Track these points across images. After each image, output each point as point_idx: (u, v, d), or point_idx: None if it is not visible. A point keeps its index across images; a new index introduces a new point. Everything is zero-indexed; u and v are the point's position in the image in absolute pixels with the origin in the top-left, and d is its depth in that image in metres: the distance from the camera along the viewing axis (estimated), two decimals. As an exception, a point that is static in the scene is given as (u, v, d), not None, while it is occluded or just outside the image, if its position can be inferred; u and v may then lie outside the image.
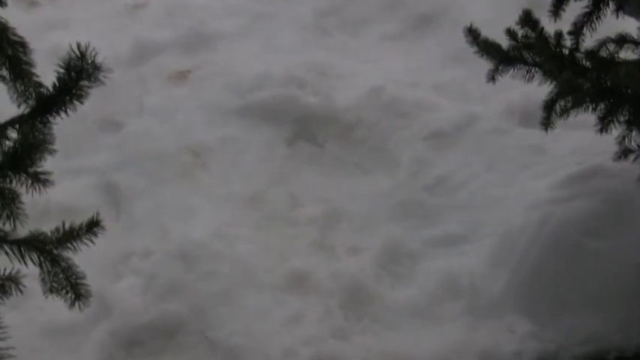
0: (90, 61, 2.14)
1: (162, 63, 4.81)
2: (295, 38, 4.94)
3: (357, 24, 5.07)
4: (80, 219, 2.34)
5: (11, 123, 2.26)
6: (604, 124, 3.06)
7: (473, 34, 3.33)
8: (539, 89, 3.29)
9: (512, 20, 3.43)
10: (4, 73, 2.12)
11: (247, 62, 4.69)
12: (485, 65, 3.35)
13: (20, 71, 2.03)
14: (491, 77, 3.32)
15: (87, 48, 2.17)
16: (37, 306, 3.33)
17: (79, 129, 4.26)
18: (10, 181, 2.14)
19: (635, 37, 3.23)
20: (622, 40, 3.25)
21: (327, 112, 4.46)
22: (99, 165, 4.28)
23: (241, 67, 4.65)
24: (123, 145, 4.36)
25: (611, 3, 3.13)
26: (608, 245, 3.39)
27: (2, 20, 2.01)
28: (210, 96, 4.53)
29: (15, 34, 2.02)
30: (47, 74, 2.33)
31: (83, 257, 2.30)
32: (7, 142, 2.21)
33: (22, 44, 2.03)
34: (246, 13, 5.06)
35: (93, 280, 2.29)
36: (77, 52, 2.14)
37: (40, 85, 2.28)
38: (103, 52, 4.53)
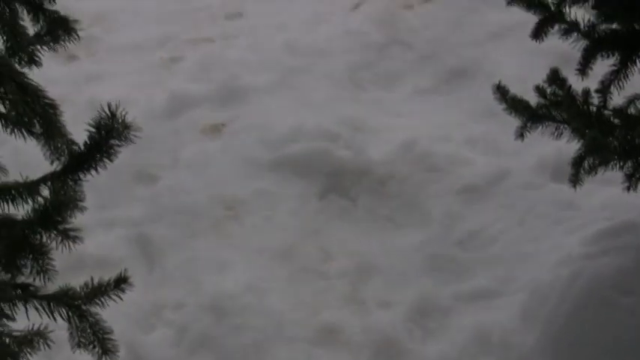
0: (120, 121, 2.19)
1: (196, 116, 4.87)
2: (328, 92, 4.98)
3: (390, 78, 5.10)
4: (113, 271, 2.41)
5: (43, 180, 2.33)
6: (631, 182, 3.09)
7: (501, 91, 3.38)
8: (571, 144, 3.31)
9: (543, 74, 3.48)
10: (38, 130, 2.19)
11: (281, 116, 4.74)
12: (516, 120, 3.40)
13: (52, 131, 2.10)
14: (520, 134, 3.37)
15: (117, 107, 2.22)
16: (67, 357, 3.38)
17: (114, 181, 4.32)
18: (41, 237, 2.22)
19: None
20: (653, 96, 3.29)
21: (360, 166, 4.51)
22: (133, 217, 4.34)
23: (275, 121, 4.71)
24: (157, 198, 4.43)
25: (638, 61, 3.17)
26: (639, 301, 3.40)
27: (35, 84, 2.08)
28: (244, 149, 4.60)
29: (47, 97, 2.09)
30: (84, 125, 2.40)
31: (116, 308, 2.37)
32: (39, 199, 2.28)
33: (54, 106, 2.09)
34: (280, 67, 5.10)
35: (125, 331, 2.36)
36: (108, 112, 2.20)
37: (73, 142, 2.35)
38: (139, 105, 4.70)
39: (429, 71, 5.09)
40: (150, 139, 4.40)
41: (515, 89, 3.54)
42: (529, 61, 4.70)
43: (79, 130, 2.40)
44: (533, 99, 3.40)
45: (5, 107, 2.30)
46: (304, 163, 4.52)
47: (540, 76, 3.52)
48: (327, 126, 4.65)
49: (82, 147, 2.26)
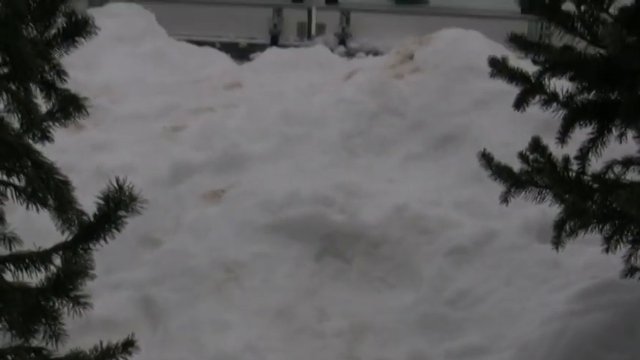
0: (127, 193, 2.27)
1: (198, 182, 4.91)
2: (323, 159, 5.03)
3: (382, 145, 5.16)
4: (119, 331, 2.48)
5: (55, 249, 2.40)
6: (610, 244, 3.16)
7: (486, 158, 3.46)
8: (555, 207, 3.39)
9: (527, 139, 3.56)
10: (51, 202, 2.27)
11: (278, 182, 4.79)
12: (502, 185, 3.47)
13: (64, 206, 2.17)
14: (505, 199, 3.44)
15: (124, 180, 2.31)
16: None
17: (119, 245, 4.24)
18: (54, 304, 2.28)
19: (640, 159, 3.33)
20: (628, 162, 3.36)
21: (354, 230, 4.56)
22: (138, 279, 4.38)
23: (272, 187, 4.75)
24: (160, 261, 4.47)
25: (614, 129, 3.25)
26: (623, 358, 3.42)
27: (49, 161, 2.16)
28: (243, 214, 4.63)
29: (60, 174, 2.17)
30: (91, 192, 2.48)
31: (120, 369, 2.42)
32: (52, 268, 2.36)
33: (66, 182, 2.17)
34: (277, 135, 5.16)
35: (129, 391, 2.40)
36: (115, 184, 2.28)
37: (82, 213, 2.42)
38: (143, 172, 4.76)
39: (419, 138, 5.14)
40: (153, 205, 4.38)
41: (500, 154, 3.62)
42: (513, 127, 4.75)
43: (86, 197, 2.48)
44: (517, 164, 3.48)
45: (20, 181, 2.39)
46: (301, 226, 4.57)
47: (524, 141, 3.60)
48: (322, 191, 4.70)
49: (92, 218, 2.34)
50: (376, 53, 8.05)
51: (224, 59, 6.68)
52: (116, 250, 4.35)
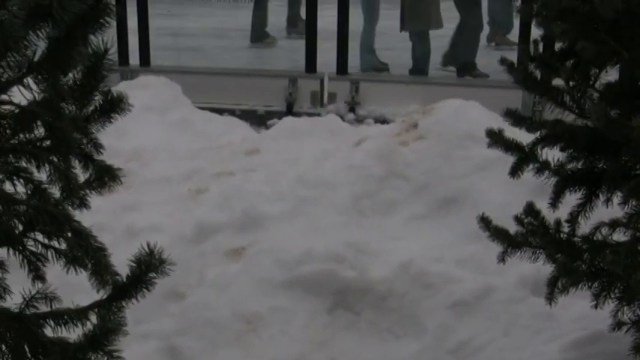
0: (157, 257, 2.32)
1: (219, 241, 4.95)
2: (335, 219, 5.06)
3: (389, 206, 5.18)
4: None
5: (91, 307, 2.45)
6: (599, 300, 3.18)
7: (485, 221, 3.51)
8: (548, 265, 3.42)
9: (523, 201, 3.61)
10: (89, 268, 2.31)
11: (293, 240, 4.82)
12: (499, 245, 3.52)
13: (101, 270, 2.22)
14: (502, 259, 3.49)
15: (155, 245, 2.35)
16: None
17: (147, 298, 4.38)
18: (89, 358, 2.32)
19: (625, 220, 3.36)
20: (614, 224, 3.39)
21: (363, 284, 4.58)
22: (164, 330, 4.41)
23: (288, 245, 4.78)
24: (185, 313, 4.50)
25: (601, 195, 3.29)
26: (612, 403, 3.45)
27: (87, 229, 2.21)
28: (261, 270, 4.67)
29: (97, 241, 2.22)
30: (122, 250, 2.52)
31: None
32: (89, 324, 2.40)
33: (103, 249, 2.22)
34: (293, 197, 5.18)
35: None
36: (147, 249, 2.33)
37: (116, 273, 2.47)
38: (170, 231, 4.80)
39: (423, 200, 5.16)
40: (179, 261, 4.43)
41: (498, 214, 3.66)
42: (510, 189, 4.76)
43: (118, 254, 2.53)
44: (513, 225, 3.52)
45: (59, 244, 2.44)
46: (314, 282, 4.59)
47: (520, 203, 3.64)
48: (334, 249, 4.72)
49: (125, 279, 2.38)
50: (384, 120, 8.11)
51: (244, 127, 6.75)
52: (144, 303, 4.36)
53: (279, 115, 8.36)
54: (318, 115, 8.34)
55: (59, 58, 2.00)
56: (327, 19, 8.85)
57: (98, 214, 4.32)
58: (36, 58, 2.02)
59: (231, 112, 8.39)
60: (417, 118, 5.53)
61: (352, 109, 8.54)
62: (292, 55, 9.34)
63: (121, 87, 6.39)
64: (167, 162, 5.79)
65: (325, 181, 5.27)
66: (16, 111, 2.16)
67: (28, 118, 2.09)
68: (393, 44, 10.02)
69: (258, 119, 8.33)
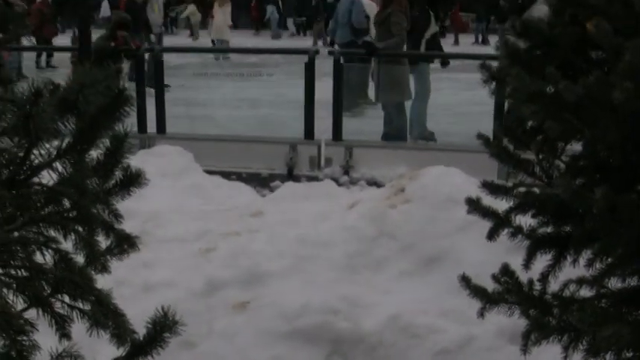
0: (170, 319, 2.33)
1: (226, 295, 4.95)
2: (331, 275, 5.07)
3: (379, 263, 5.19)
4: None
5: (112, 363, 2.45)
6: (567, 352, 3.18)
7: (465, 280, 3.52)
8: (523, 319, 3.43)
9: (500, 258, 3.62)
10: (110, 330, 2.32)
11: (293, 295, 4.83)
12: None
13: (120, 332, 2.23)
14: (481, 314, 3.48)
15: (169, 309, 2.37)
16: None
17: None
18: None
19: (590, 278, 3.37)
20: (581, 281, 3.40)
21: (356, 335, 4.57)
22: (177, 376, 4.41)
23: (288, 299, 4.79)
24: (196, 361, 4.50)
25: (569, 256, 3.31)
26: None
27: (108, 296, 2.23)
28: (264, 322, 4.66)
29: (117, 307, 2.24)
30: (140, 302, 2.54)
31: None
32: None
33: (122, 314, 2.24)
34: (293, 255, 5.20)
35: None
36: (161, 311, 2.34)
37: (134, 332, 2.48)
38: (182, 286, 4.80)
39: (410, 257, 5.18)
40: (190, 314, 4.46)
41: (478, 270, 3.67)
42: (488, 248, 4.69)
43: (135, 306, 2.55)
44: (491, 283, 3.53)
45: (83, 305, 2.45)
46: (312, 333, 4.58)
47: (497, 260, 3.64)
48: (329, 303, 4.73)
49: (142, 338, 2.40)
50: (375, 182, 8.18)
51: (249, 191, 6.79)
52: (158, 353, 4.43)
53: (281, 178, 8.44)
54: (316, 177, 8.41)
55: (84, 145, 2.04)
56: (323, 90, 8.97)
57: (118, 270, 4.30)
58: (63, 145, 2.06)
59: (238, 175, 8.47)
60: (404, 184, 5.57)
61: (346, 172, 8.62)
62: (292, 123, 9.40)
63: (139, 155, 6.45)
64: (180, 223, 5.81)
65: (322, 241, 5.29)
66: (45, 189, 2.19)
67: (56, 197, 2.12)
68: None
69: (262, 181, 8.39)
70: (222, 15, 21.29)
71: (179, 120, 10.49)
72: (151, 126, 9.29)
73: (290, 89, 11.85)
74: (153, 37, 15.60)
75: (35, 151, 1.95)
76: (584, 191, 2.79)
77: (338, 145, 8.88)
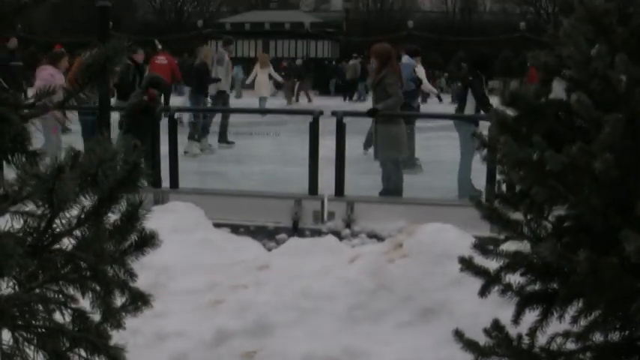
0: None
1: (235, 345, 4.93)
2: (333, 326, 5.06)
3: (378, 315, 5.18)
4: None
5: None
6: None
7: (458, 334, 3.54)
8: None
9: (493, 310, 3.64)
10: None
11: (297, 345, 4.81)
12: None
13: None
14: (474, 365, 3.50)
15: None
16: None
17: None
18: None
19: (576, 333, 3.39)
20: (567, 334, 3.42)
21: (356, 383, 4.58)
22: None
23: (293, 349, 4.77)
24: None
25: (555, 312, 3.33)
26: None
27: (120, 347, 2.25)
28: (270, 371, 4.66)
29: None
30: (152, 351, 2.55)
31: None
32: None
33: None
34: (297, 308, 5.20)
35: None
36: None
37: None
38: (192, 336, 4.80)
39: (408, 310, 5.17)
40: (200, 363, 4.50)
41: (471, 322, 3.70)
42: (482, 301, 4.70)
43: (149, 356, 2.56)
44: (482, 335, 3.55)
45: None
46: (315, 381, 4.58)
47: (489, 312, 3.67)
48: (332, 353, 4.72)
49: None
50: (375, 235, 8.22)
51: (256, 246, 6.80)
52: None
53: (287, 231, 8.48)
54: (320, 230, 8.45)
55: (102, 214, 2.09)
56: (326, 147, 9.05)
57: (132, 320, 4.36)
58: (83, 215, 2.10)
59: (246, 228, 8.52)
60: (402, 239, 5.59)
61: (348, 226, 8.66)
62: (297, 179, 9.48)
63: (153, 211, 6.47)
64: (191, 276, 5.81)
65: (325, 294, 5.28)
66: (65, 253, 2.23)
67: (75, 261, 2.16)
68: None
69: (269, 234, 8.43)
70: (262, 75, 22.03)
71: (191, 175, 10.58)
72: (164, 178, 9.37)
73: (296, 147, 11.96)
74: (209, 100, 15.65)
75: (57, 221, 1.99)
76: (568, 254, 2.83)
77: (340, 200, 8.94)
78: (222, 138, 14.71)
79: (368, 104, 11.66)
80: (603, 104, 2.92)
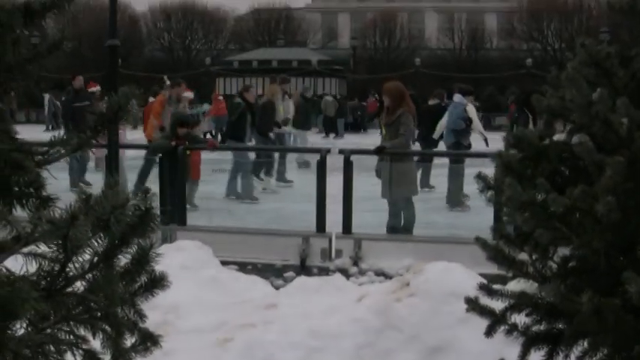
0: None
1: (243, 382, 4.96)
2: (340, 365, 5.07)
3: (385, 354, 5.18)
4: None
5: None
6: None
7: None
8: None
9: (501, 348, 3.66)
10: None
11: (304, 384, 4.83)
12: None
13: None
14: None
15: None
16: None
17: None
18: None
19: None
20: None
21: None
22: None
23: (300, 387, 4.79)
24: None
25: (561, 352, 3.36)
26: None
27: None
28: (277, 410, 4.66)
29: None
30: None
31: None
32: None
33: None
34: (304, 347, 5.20)
35: None
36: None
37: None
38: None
39: (415, 348, 5.17)
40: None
41: (478, 360, 3.71)
42: (489, 339, 4.77)
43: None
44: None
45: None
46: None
47: (495, 350, 3.70)
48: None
49: None
50: (382, 273, 8.23)
51: (264, 284, 6.83)
52: None
53: (294, 269, 8.50)
54: (327, 268, 8.47)
55: (113, 258, 2.14)
56: (333, 185, 9.10)
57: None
58: (95, 259, 2.15)
59: (254, 265, 8.55)
60: (409, 278, 5.62)
61: (356, 263, 8.67)
62: (305, 217, 9.52)
63: (162, 249, 6.51)
64: (199, 315, 5.82)
65: (332, 333, 5.28)
66: (77, 296, 2.28)
67: (86, 303, 2.21)
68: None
69: (276, 272, 8.46)
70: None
71: (199, 213, 10.64)
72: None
73: (303, 184, 12.04)
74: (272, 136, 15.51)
75: (71, 265, 2.05)
76: (571, 295, 2.86)
77: (347, 237, 8.97)
78: (281, 177, 14.67)
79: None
80: (605, 147, 2.97)
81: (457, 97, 13.29)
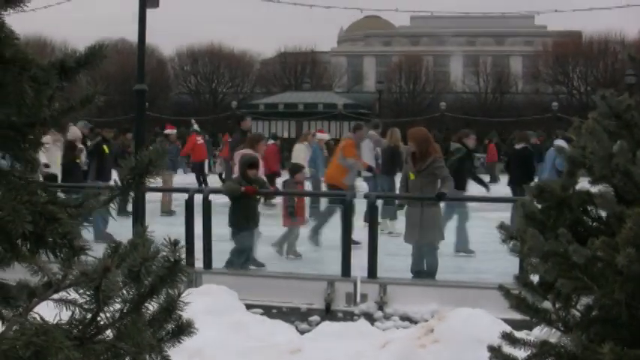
0: None
1: None
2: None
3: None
4: None
5: None
6: None
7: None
8: None
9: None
10: None
11: None
12: None
13: None
14: None
15: None
16: None
17: None
18: None
19: None
20: None
21: None
22: None
23: None
24: None
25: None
26: None
27: None
28: None
29: None
30: None
31: None
32: None
33: None
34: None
35: None
36: None
37: None
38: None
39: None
40: None
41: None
42: None
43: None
44: None
45: None
46: None
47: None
48: None
49: None
50: (407, 317, 8.20)
51: (288, 329, 6.85)
52: None
53: (319, 313, 8.50)
54: (352, 312, 8.46)
55: (143, 307, 2.20)
56: (358, 230, 9.13)
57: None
58: (125, 309, 2.21)
59: (279, 309, 8.56)
60: (433, 324, 5.63)
61: (381, 308, 8.65)
62: (330, 261, 9.55)
63: (187, 293, 6.57)
64: (223, 359, 5.84)
65: (356, 379, 5.30)
66: (107, 344, 2.33)
67: (114, 351, 2.26)
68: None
69: (301, 316, 8.46)
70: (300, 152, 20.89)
71: (225, 255, 10.68)
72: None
73: (328, 229, 12.06)
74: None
75: (102, 314, 2.11)
76: (593, 346, 2.88)
77: (373, 282, 8.96)
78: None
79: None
80: (626, 198, 3.00)
81: (560, 142, 13.47)
